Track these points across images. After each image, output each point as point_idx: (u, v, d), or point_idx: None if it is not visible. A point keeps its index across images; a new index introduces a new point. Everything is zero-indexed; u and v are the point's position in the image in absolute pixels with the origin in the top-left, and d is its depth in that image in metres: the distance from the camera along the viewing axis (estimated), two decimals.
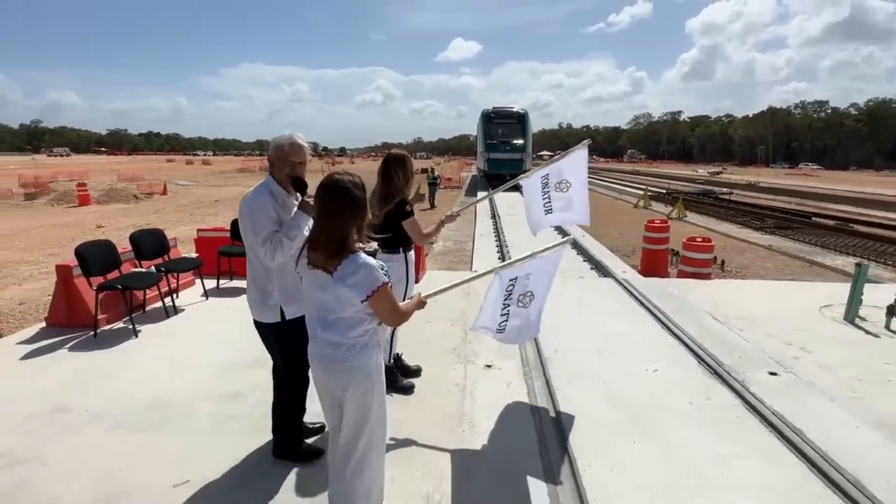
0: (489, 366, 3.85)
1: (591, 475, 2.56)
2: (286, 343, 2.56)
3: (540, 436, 2.93)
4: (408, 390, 3.39)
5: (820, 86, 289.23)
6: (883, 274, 8.39)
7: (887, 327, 4.77)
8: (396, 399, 3.28)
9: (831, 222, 14.23)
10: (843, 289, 6.00)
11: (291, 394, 2.67)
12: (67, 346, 4.17)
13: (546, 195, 3.55)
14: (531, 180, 3.60)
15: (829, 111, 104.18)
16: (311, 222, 2.19)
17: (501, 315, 2.89)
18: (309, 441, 2.83)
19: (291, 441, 2.70)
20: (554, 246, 2.91)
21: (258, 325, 2.58)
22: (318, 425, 2.97)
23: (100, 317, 4.44)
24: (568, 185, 3.47)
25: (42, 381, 3.55)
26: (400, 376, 3.47)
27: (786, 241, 11.57)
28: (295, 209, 2.47)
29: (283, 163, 2.46)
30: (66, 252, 9.33)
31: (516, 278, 2.83)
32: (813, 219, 15.04)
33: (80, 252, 4.32)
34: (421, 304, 2.20)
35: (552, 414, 3.18)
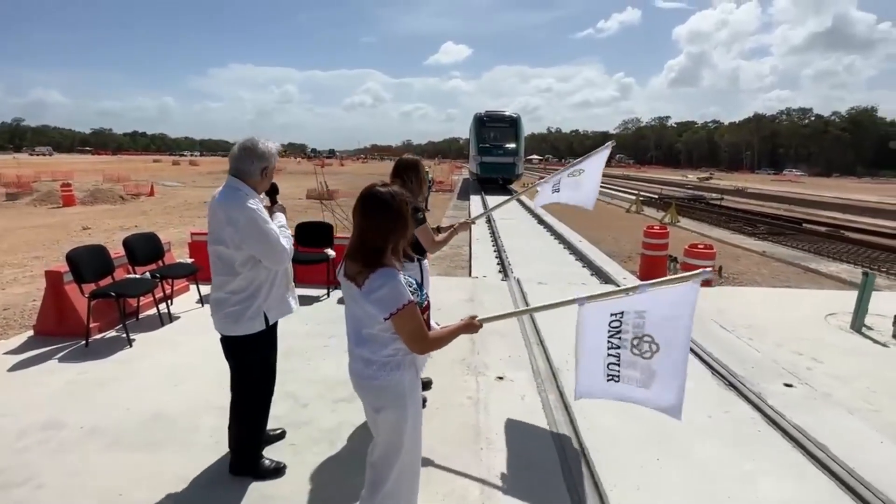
0: (501, 377, 3.75)
1: (619, 496, 2.46)
2: (266, 350, 2.50)
3: (560, 453, 2.83)
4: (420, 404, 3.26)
5: (803, 93, 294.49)
6: (879, 281, 8.44)
7: (894, 336, 4.76)
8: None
9: (822, 228, 14.38)
10: (844, 296, 6.01)
11: (259, 407, 2.56)
12: (58, 356, 3.97)
13: (557, 179, 3.67)
14: (547, 183, 3.69)
15: (814, 118, 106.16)
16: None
17: (609, 360, 2.20)
18: (269, 447, 2.75)
19: (254, 455, 2.57)
20: (679, 278, 2.16)
21: (232, 340, 2.41)
22: (278, 431, 2.88)
23: (92, 325, 4.25)
24: (581, 171, 3.55)
25: (33, 394, 3.37)
26: None
27: (779, 247, 11.64)
28: (277, 213, 2.52)
29: (272, 171, 2.43)
30: (51, 254, 9.05)
31: (622, 314, 2.15)
32: (804, 225, 15.19)
33: (72, 257, 4.13)
34: (471, 327, 2.03)
35: (570, 429, 3.08)
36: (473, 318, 2.06)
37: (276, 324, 2.55)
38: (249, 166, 2.33)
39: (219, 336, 2.46)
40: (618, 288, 2.24)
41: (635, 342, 2.12)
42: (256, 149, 2.34)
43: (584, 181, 3.50)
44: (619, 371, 2.15)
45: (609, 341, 2.14)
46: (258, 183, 2.38)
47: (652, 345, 2.11)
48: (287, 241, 2.40)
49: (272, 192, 2.55)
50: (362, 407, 1.99)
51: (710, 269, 2.29)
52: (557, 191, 3.56)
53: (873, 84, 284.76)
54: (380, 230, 1.77)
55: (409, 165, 3.11)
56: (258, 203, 2.36)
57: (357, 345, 1.87)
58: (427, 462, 2.70)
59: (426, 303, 1.91)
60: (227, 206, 2.28)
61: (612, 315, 2.14)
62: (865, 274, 5.03)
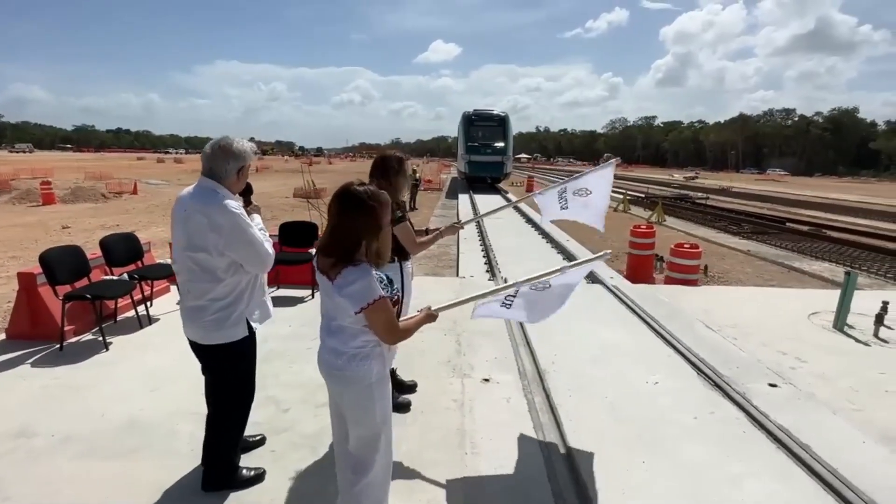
0: (487, 379, 3.71)
1: (604, 501, 2.43)
2: (248, 358, 2.42)
3: (546, 457, 2.79)
4: (404, 408, 3.21)
5: (786, 94, 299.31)
6: (860, 280, 8.56)
7: (876, 335, 4.82)
8: (393, 418, 3.09)
9: (805, 228, 14.59)
10: (826, 295, 6.08)
11: (239, 417, 2.47)
12: (30, 360, 3.85)
13: (563, 199, 3.50)
14: (546, 196, 3.53)
15: (797, 119, 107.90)
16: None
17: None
18: (248, 454, 2.69)
19: (230, 467, 2.46)
20: (588, 261, 2.69)
21: (212, 349, 2.30)
22: (257, 438, 2.81)
23: (66, 328, 4.12)
24: (587, 192, 3.42)
25: (3, 401, 3.25)
26: (396, 392, 3.28)
27: (762, 245, 11.77)
28: (253, 215, 2.42)
29: (248, 171, 2.36)
30: (29, 255, 8.82)
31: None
32: (787, 224, 15.40)
33: (46, 259, 4.00)
34: (430, 317, 2.08)
35: (556, 432, 3.05)
36: (429, 308, 2.10)
37: (255, 330, 2.48)
38: (225, 166, 2.23)
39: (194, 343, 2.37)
40: (552, 270, 2.52)
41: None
42: (232, 148, 2.24)
43: (593, 201, 3.41)
44: (514, 300, 2.59)
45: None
46: (233, 183, 2.28)
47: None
48: (268, 243, 2.32)
49: (247, 192, 2.45)
50: None
51: (609, 252, 2.64)
52: (566, 208, 3.46)
53: (854, 85, 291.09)
54: (353, 229, 1.80)
55: (389, 162, 3.03)
56: (239, 206, 2.27)
57: (328, 335, 1.94)
58: (410, 467, 2.66)
59: (396, 297, 1.96)
60: (207, 210, 2.15)
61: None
62: (847, 274, 5.08)
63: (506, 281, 6.49)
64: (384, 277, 1.88)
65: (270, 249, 2.31)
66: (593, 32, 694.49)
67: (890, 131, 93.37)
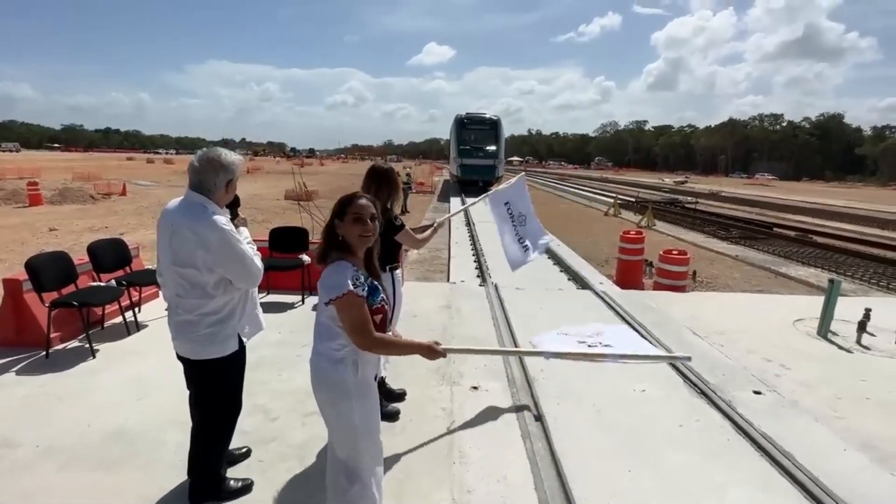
0: (475, 387, 3.73)
1: None
2: (237, 371, 2.41)
3: (533, 465, 2.81)
4: (393, 417, 3.22)
5: (775, 99, 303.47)
6: (844, 285, 8.70)
7: (858, 342, 4.90)
8: (381, 427, 3.09)
9: (792, 233, 14.78)
10: (811, 301, 6.17)
11: (226, 430, 2.46)
12: (15, 368, 3.80)
13: (517, 231, 4.02)
14: (500, 210, 4.05)
15: (784, 124, 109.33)
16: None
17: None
18: (234, 467, 2.67)
19: (217, 478, 2.45)
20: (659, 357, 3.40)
21: (202, 364, 2.27)
22: (243, 450, 2.79)
23: (52, 335, 4.08)
24: (523, 218, 4.00)
25: None
26: (384, 401, 3.30)
27: (750, 251, 11.93)
28: (240, 228, 2.40)
29: (236, 183, 2.33)
30: (14, 257, 8.71)
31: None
32: (774, 229, 15.59)
33: (32, 265, 3.96)
34: (430, 350, 2.04)
35: (543, 440, 3.07)
36: (438, 344, 2.08)
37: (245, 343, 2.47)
38: (214, 179, 2.19)
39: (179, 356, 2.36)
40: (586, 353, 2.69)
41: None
42: (220, 160, 2.20)
43: (530, 228, 4.02)
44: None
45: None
46: (222, 197, 2.26)
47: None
48: (257, 257, 2.30)
49: (234, 204, 2.42)
50: None
51: (689, 357, 2.78)
52: (526, 249, 3.99)
53: (841, 92, 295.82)
54: (337, 222, 1.92)
55: (381, 174, 3.07)
56: (228, 221, 2.24)
57: (314, 337, 2.01)
58: (398, 477, 2.67)
59: (380, 305, 1.94)
60: (195, 226, 2.12)
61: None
62: (831, 282, 5.16)
63: (496, 287, 6.52)
64: (362, 278, 1.88)
65: (260, 264, 2.29)
66: (586, 36, 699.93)
67: (875, 137, 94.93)
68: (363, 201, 1.94)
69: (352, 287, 1.82)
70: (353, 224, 1.90)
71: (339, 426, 1.99)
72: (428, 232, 3.51)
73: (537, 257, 4.04)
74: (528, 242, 3.94)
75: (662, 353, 2.58)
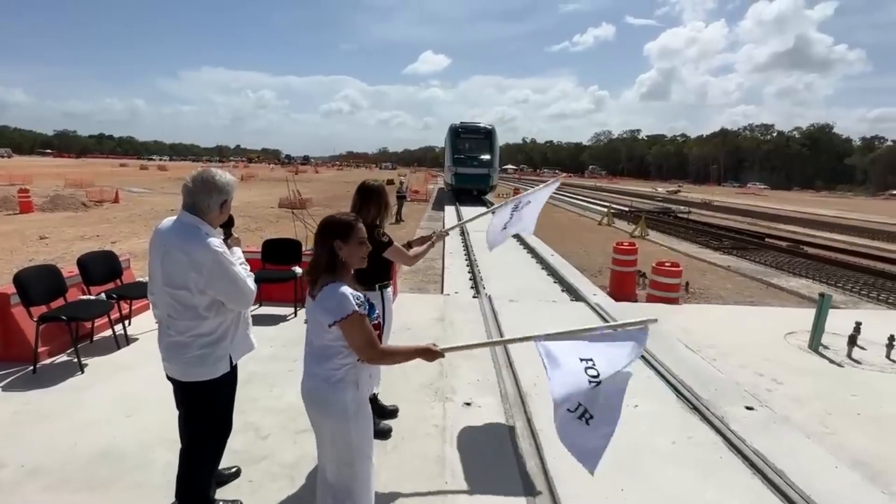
0: (468, 403, 3.71)
1: None
2: (227, 392, 2.39)
3: (526, 484, 2.80)
4: (385, 434, 3.19)
5: (767, 109, 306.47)
6: (835, 296, 8.77)
7: (849, 356, 4.93)
8: (373, 445, 3.08)
9: (783, 244, 14.90)
10: (803, 314, 6.21)
11: (215, 451, 2.43)
12: (1, 384, 3.74)
13: (511, 215, 3.83)
14: (506, 209, 3.83)
15: (775, 134, 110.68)
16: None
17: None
18: (223, 487, 2.64)
19: (205, 501, 2.41)
20: (632, 323, 2.31)
21: (192, 385, 2.25)
22: (232, 470, 2.76)
23: (40, 350, 4.03)
24: (527, 202, 3.79)
25: None
26: (376, 418, 3.27)
27: (742, 261, 12.01)
28: (233, 248, 2.38)
29: (230, 204, 2.32)
30: (3, 266, 8.62)
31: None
32: (766, 240, 15.72)
33: (20, 280, 3.92)
34: (429, 353, 2.06)
35: (536, 458, 3.05)
36: (435, 345, 2.09)
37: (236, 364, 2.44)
38: (208, 200, 2.18)
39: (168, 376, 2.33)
40: (574, 330, 2.38)
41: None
42: (215, 181, 2.19)
43: (526, 212, 3.76)
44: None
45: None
46: (216, 217, 2.24)
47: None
48: (250, 279, 2.28)
49: (227, 224, 2.41)
50: None
51: (655, 319, 2.26)
52: (505, 228, 3.81)
53: (830, 102, 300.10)
54: (333, 250, 1.92)
55: (369, 192, 3.06)
56: (221, 242, 2.21)
57: (309, 358, 2.00)
58: (389, 497, 2.64)
59: (376, 321, 2.00)
60: (188, 248, 2.09)
61: (581, 360, 2.10)
62: (822, 295, 5.20)
63: (490, 299, 6.52)
64: (362, 297, 1.91)
65: (252, 285, 2.27)
66: (580, 46, 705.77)
67: (864, 147, 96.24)
68: (362, 223, 2.02)
69: (356, 307, 1.85)
70: (358, 246, 1.97)
71: (334, 447, 1.99)
72: (422, 248, 3.40)
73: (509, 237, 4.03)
74: (510, 223, 3.84)
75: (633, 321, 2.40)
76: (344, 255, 1.93)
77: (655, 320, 2.28)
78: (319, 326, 1.89)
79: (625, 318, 5.76)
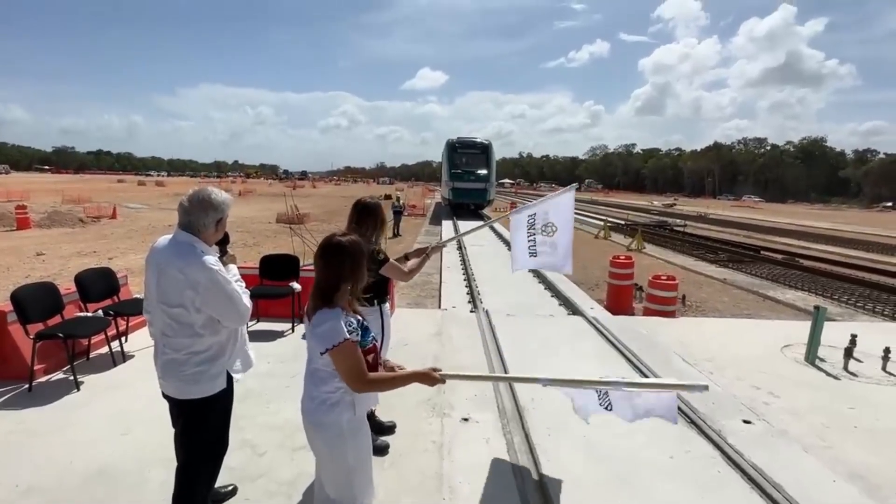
0: (466, 419, 3.70)
1: None
2: (225, 409, 2.39)
3: (524, 500, 2.79)
4: (382, 451, 3.18)
5: (760, 123, 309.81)
6: (830, 309, 8.81)
7: (845, 369, 4.94)
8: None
9: (779, 256, 14.98)
10: (799, 326, 6.24)
11: (212, 470, 2.42)
12: None
13: (532, 237, 3.53)
14: (519, 217, 3.57)
15: (769, 147, 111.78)
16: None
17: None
18: None
19: None
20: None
21: (189, 403, 2.25)
22: (229, 488, 2.74)
23: (37, 367, 4.02)
24: (553, 228, 3.47)
25: None
26: (374, 434, 3.26)
27: (738, 274, 12.06)
28: (229, 266, 2.38)
29: (226, 222, 2.34)
30: (0, 283, 8.59)
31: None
32: (761, 252, 15.80)
33: (17, 297, 3.92)
34: (428, 378, 2.04)
35: (534, 474, 3.04)
36: (436, 370, 2.08)
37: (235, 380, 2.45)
38: (204, 219, 2.20)
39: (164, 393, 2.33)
40: (582, 380, 2.51)
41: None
42: (210, 199, 2.22)
43: (558, 241, 3.45)
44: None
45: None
46: (211, 235, 2.26)
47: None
48: (245, 295, 2.29)
49: (223, 241, 2.43)
50: None
51: (705, 386, 2.26)
52: (534, 255, 3.50)
53: (823, 116, 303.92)
54: (334, 274, 1.92)
55: (366, 210, 3.08)
56: (217, 260, 2.23)
57: (306, 380, 2.00)
58: None
59: (371, 345, 2.00)
60: (184, 267, 2.11)
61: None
62: (816, 308, 5.23)
63: (487, 313, 6.53)
64: (355, 322, 1.91)
65: (248, 302, 2.29)
66: (575, 62, 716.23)
67: (857, 160, 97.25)
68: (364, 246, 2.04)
69: (348, 335, 1.85)
70: (362, 270, 1.99)
71: (332, 466, 2.00)
72: (416, 262, 3.36)
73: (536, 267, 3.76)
74: (540, 251, 3.51)
75: (674, 381, 2.44)
76: (348, 280, 1.92)
77: (706, 387, 2.21)
78: (314, 352, 1.91)
79: (623, 335, 5.81)
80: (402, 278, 3.26)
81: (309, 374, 1.99)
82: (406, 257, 3.42)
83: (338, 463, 1.97)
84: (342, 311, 1.90)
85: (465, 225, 21.02)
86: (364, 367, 1.89)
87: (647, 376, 4.55)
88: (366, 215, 3.04)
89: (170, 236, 2.27)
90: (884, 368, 4.95)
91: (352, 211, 3.10)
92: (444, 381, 2.08)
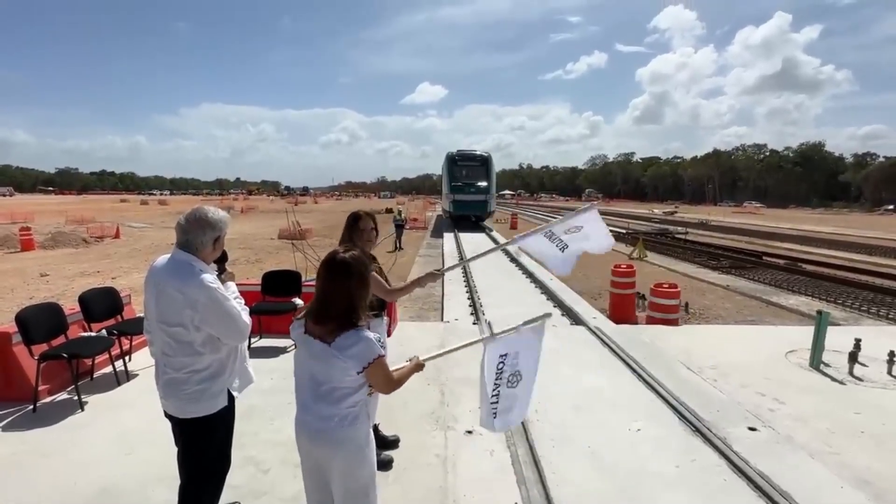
0: (470, 432, 3.69)
1: None
2: (226, 427, 2.38)
3: None
4: (386, 465, 3.17)
5: (758, 130, 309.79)
6: (835, 313, 8.77)
7: (850, 373, 4.92)
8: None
9: (781, 262, 14.95)
10: (803, 332, 6.21)
11: (214, 488, 2.41)
12: (1, 424, 3.73)
13: (556, 240, 3.12)
14: (531, 240, 3.16)
15: (768, 153, 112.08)
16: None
17: (492, 398, 2.49)
18: None
19: None
20: (535, 320, 2.53)
21: (190, 422, 2.25)
22: None
23: (41, 388, 4.03)
24: (579, 227, 3.08)
25: None
26: (378, 449, 3.25)
27: (741, 280, 12.03)
28: (227, 283, 2.39)
29: (224, 240, 2.35)
30: (4, 304, 8.63)
31: (506, 355, 2.49)
32: (764, 258, 15.77)
33: (22, 319, 3.95)
34: (418, 367, 2.19)
35: (539, 486, 3.03)
36: (417, 357, 2.21)
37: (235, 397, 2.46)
38: (202, 237, 2.22)
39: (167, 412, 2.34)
40: (509, 328, 2.47)
41: (510, 378, 2.49)
42: (208, 218, 2.23)
43: (592, 233, 3.09)
44: (497, 407, 2.47)
45: (495, 383, 2.45)
46: (209, 253, 2.28)
47: (518, 376, 2.51)
48: (245, 312, 2.30)
49: (221, 259, 2.45)
50: None
51: (549, 314, 2.53)
52: (567, 247, 3.09)
53: (820, 121, 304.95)
54: (346, 292, 1.91)
55: (354, 219, 3.13)
56: (216, 278, 2.24)
57: (315, 400, 1.94)
58: None
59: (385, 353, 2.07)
60: (182, 286, 2.12)
61: (499, 357, 2.41)
62: (819, 313, 5.22)
63: (490, 325, 6.52)
64: (379, 336, 2.01)
65: (247, 319, 2.30)
66: (573, 74, 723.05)
67: (857, 164, 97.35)
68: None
69: (381, 350, 1.91)
70: (369, 285, 2.04)
71: (351, 482, 1.96)
72: (404, 286, 3.24)
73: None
74: (569, 243, 3.11)
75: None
76: (360, 296, 1.93)
77: (549, 315, 2.49)
78: (341, 372, 1.87)
79: (627, 345, 5.78)
80: (384, 295, 3.10)
81: (322, 395, 1.91)
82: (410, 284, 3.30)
83: (357, 477, 1.96)
84: (365, 327, 1.92)
85: (466, 237, 21.07)
86: (391, 373, 2.00)
87: (652, 388, 4.54)
88: (351, 225, 3.10)
89: (168, 256, 2.28)
90: (889, 372, 4.92)
91: (346, 223, 3.15)
92: (423, 364, 2.21)
